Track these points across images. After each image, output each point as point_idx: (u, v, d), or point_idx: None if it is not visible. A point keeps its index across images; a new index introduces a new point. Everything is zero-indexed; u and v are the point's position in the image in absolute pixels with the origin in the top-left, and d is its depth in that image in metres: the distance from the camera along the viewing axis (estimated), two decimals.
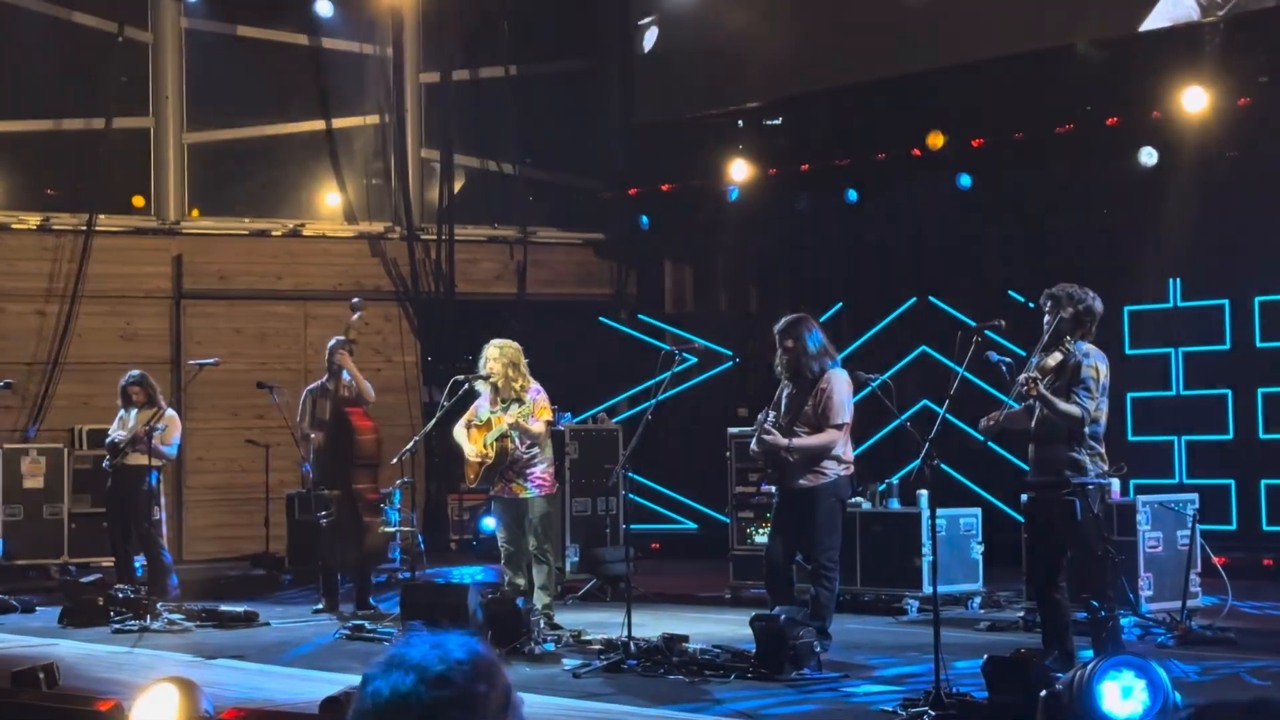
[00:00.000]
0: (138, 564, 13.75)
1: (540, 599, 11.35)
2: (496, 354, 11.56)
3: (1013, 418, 9.06)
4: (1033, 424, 9.00)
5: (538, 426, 11.46)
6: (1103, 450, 8.90)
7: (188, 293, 18.29)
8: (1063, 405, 8.71)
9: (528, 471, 11.53)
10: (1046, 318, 8.94)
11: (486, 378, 11.56)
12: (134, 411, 13.57)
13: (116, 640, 11.37)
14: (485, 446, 11.52)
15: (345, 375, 12.63)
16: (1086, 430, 8.79)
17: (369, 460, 12.47)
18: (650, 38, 19.13)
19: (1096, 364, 8.83)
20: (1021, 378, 8.75)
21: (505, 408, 11.52)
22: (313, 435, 12.77)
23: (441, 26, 19.44)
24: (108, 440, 13.62)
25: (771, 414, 10.29)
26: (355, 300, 12.73)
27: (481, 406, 11.71)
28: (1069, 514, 8.72)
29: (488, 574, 15.48)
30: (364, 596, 12.67)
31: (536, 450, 11.52)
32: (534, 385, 11.59)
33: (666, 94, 19.09)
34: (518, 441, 11.44)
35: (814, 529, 10.18)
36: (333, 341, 12.70)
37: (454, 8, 19.46)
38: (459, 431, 11.78)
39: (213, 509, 17.69)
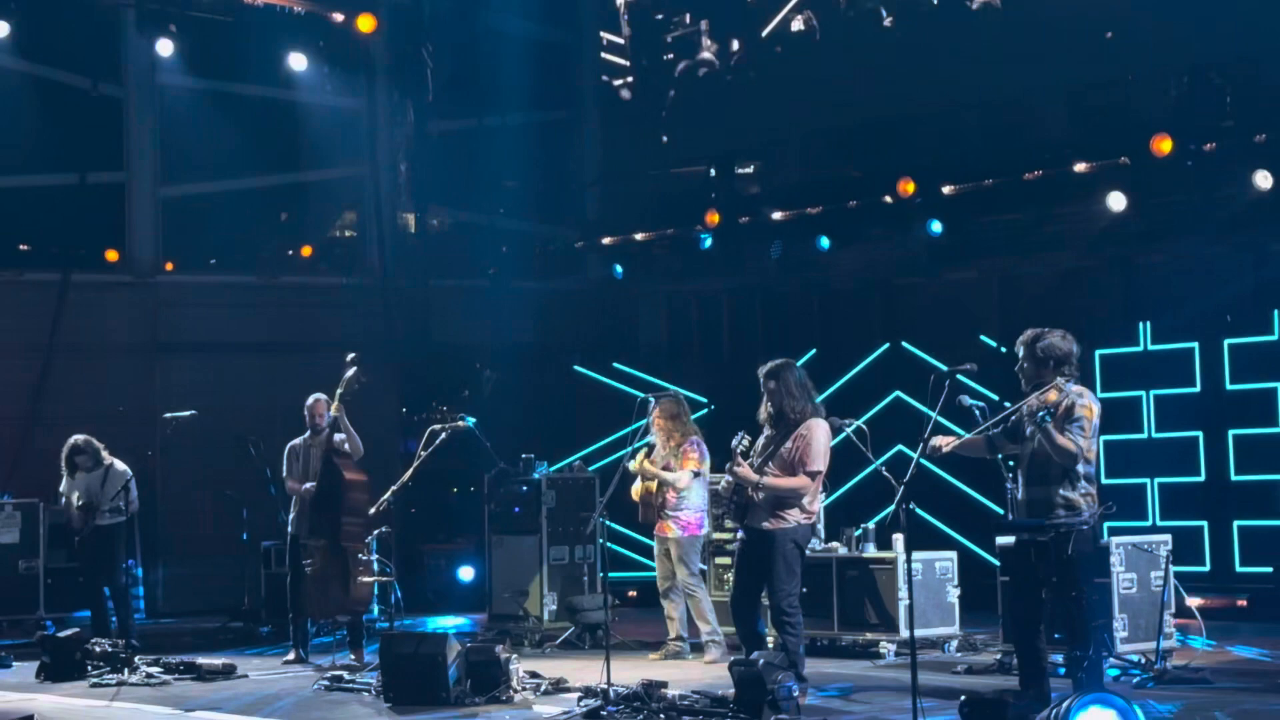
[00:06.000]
0: (115, 619, 13.77)
1: (703, 628, 12.31)
2: (660, 409, 12.49)
3: (968, 445, 9.10)
4: (1023, 465, 9.01)
5: (673, 476, 12.40)
6: (1095, 490, 8.93)
7: (163, 346, 18.31)
8: (1061, 440, 8.75)
9: (673, 513, 12.45)
10: (1024, 364, 8.99)
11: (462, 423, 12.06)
12: (80, 475, 13.75)
13: (94, 694, 11.34)
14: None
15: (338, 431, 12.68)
16: (1080, 469, 8.81)
17: (358, 511, 12.49)
18: (625, 92, 19.31)
19: (1090, 403, 8.88)
20: (1028, 407, 8.79)
21: (665, 457, 12.52)
22: (303, 487, 12.77)
23: (416, 80, 19.55)
24: (77, 506, 13.73)
25: (746, 439, 10.30)
26: (351, 355, 12.73)
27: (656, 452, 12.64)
28: (1062, 553, 8.73)
29: (466, 624, 15.50)
30: (357, 645, 12.68)
31: (685, 494, 12.40)
32: (693, 437, 12.53)
33: (640, 144, 19.23)
34: (659, 487, 12.45)
35: (772, 574, 10.20)
36: (322, 396, 12.73)
37: (429, 61, 19.56)
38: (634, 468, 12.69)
39: (189, 562, 17.64)
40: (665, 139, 18.83)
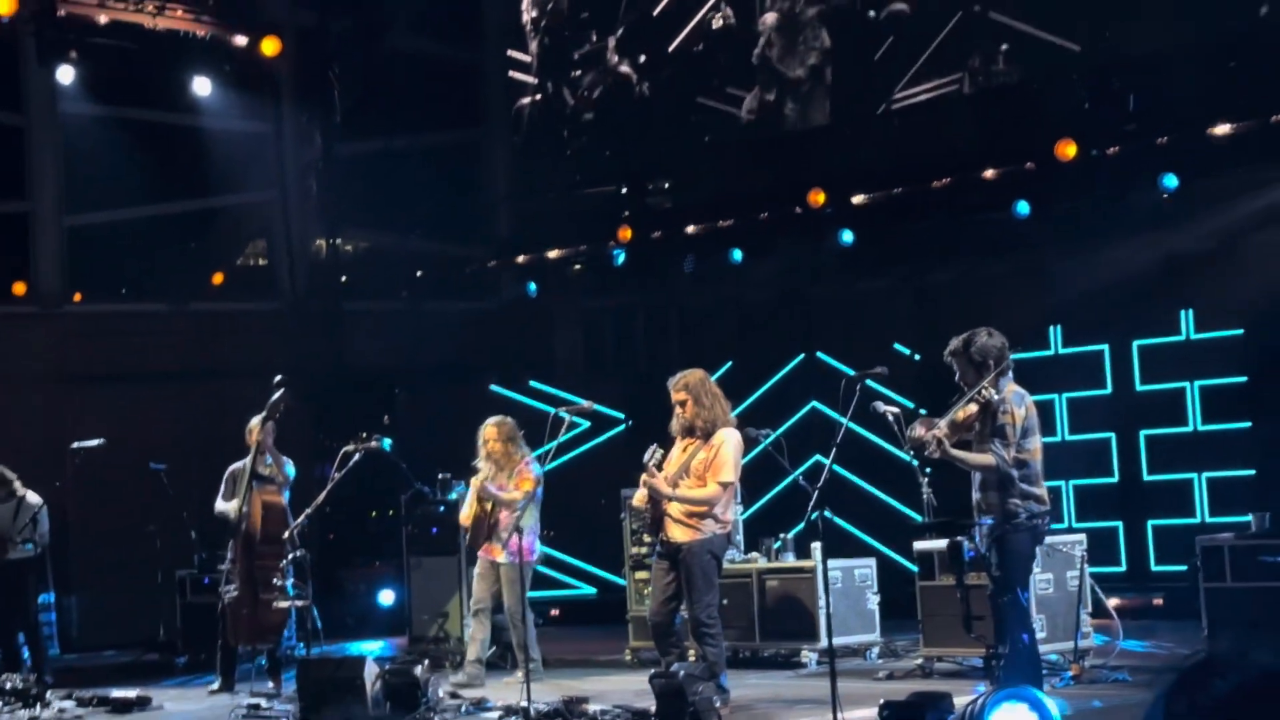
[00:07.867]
0: (27, 654, 13.54)
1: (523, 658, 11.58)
2: (495, 433, 12.15)
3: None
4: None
5: (508, 496, 11.94)
6: (1038, 491, 8.79)
7: (72, 376, 18.06)
8: (973, 459, 8.63)
9: (506, 536, 11.80)
10: (964, 373, 8.90)
11: (365, 445, 11.80)
12: None
13: None
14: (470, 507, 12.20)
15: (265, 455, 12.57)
16: (1014, 474, 8.69)
17: (269, 538, 12.36)
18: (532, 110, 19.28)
19: (1012, 408, 8.74)
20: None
21: (498, 479, 12.12)
22: (220, 507, 12.63)
23: (323, 102, 19.43)
24: None
25: (659, 452, 10.27)
26: (279, 378, 12.59)
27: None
28: (999, 554, 8.70)
29: (385, 648, 15.36)
30: (275, 672, 12.53)
31: (520, 517, 11.64)
32: (529, 458, 12.08)
33: (550, 161, 19.19)
34: (493, 508, 12.02)
35: (691, 586, 10.18)
36: (254, 420, 12.61)
37: (335, 83, 19.43)
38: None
39: (102, 593, 17.38)
40: (574, 156, 18.81)
